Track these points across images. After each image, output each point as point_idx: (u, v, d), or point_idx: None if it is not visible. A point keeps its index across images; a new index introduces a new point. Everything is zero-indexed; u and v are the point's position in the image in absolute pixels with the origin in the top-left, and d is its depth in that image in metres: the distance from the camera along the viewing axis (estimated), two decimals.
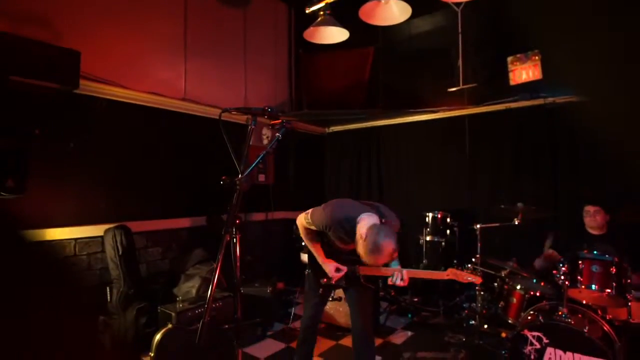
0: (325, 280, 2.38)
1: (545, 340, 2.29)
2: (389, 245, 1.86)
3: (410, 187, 4.97)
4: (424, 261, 4.17)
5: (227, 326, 3.15)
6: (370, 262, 1.92)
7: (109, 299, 3.23)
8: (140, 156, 3.71)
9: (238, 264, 1.38)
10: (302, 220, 2.29)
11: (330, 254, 2.33)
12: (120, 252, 3.26)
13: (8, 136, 2.72)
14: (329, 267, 2.28)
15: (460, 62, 4.18)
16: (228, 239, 1.38)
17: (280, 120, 1.58)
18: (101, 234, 3.34)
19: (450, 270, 2.15)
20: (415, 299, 4.16)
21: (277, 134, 1.55)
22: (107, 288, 3.27)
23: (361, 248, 1.92)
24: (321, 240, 2.35)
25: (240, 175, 1.43)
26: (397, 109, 4.81)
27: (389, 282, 2.13)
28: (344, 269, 2.27)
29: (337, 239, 2.20)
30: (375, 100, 5.01)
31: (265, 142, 4.70)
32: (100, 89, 3.41)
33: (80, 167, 3.28)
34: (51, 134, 3.07)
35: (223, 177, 1.98)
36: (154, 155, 3.81)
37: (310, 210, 2.27)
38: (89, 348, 0.46)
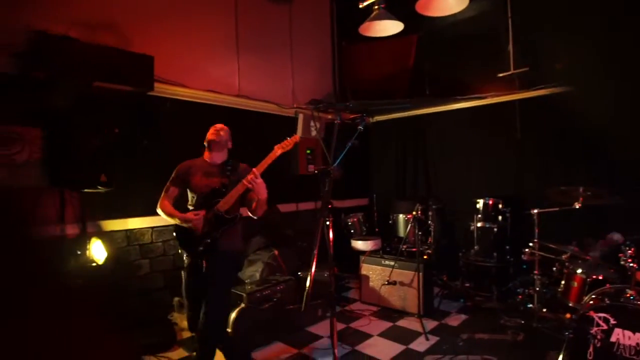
0: (201, 248, 2.38)
1: (612, 322, 2.32)
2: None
3: (458, 175, 4.98)
4: (475, 247, 4.21)
5: (291, 307, 3.39)
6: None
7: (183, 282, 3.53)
8: (201, 150, 3.97)
9: (331, 244, 1.54)
10: (162, 197, 2.56)
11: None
12: None
13: (96, 135, 3.04)
14: (187, 217, 2.36)
15: (510, 47, 4.12)
16: (322, 222, 1.55)
17: (360, 114, 1.71)
18: (173, 222, 3.64)
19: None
20: (467, 284, 4.22)
21: (359, 126, 1.69)
22: (182, 272, 3.57)
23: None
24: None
25: (332, 165, 1.59)
26: (445, 97, 4.79)
27: (246, 183, 2.20)
28: (201, 212, 2.33)
29: (197, 173, 2.47)
30: (420, 88, 5.01)
31: (313, 133, 4.86)
32: (166, 90, 3.69)
33: (152, 162, 3.58)
34: (128, 133, 3.38)
35: (311, 167, 2.15)
36: None
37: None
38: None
